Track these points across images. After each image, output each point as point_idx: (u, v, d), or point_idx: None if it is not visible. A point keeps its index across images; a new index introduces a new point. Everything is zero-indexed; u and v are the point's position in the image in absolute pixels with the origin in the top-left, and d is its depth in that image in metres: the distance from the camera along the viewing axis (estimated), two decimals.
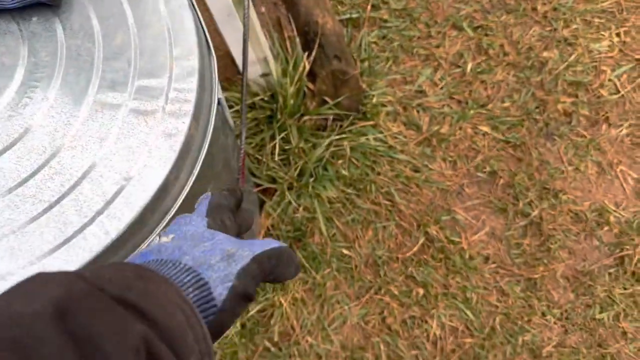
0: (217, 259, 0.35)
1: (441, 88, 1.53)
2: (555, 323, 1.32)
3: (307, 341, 1.35)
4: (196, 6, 0.74)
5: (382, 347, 1.33)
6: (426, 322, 1.34)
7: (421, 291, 1.35)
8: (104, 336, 0.24)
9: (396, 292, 1.35)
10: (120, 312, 0.26)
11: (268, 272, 0.37)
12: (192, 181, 0.68)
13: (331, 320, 1.37)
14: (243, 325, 1.35)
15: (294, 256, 0.40)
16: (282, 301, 1.36)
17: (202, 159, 0.69)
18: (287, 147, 1.38)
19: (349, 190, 1.42)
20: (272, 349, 1.35)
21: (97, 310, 0.25)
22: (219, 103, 0.79)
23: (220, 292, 0.34)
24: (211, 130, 0.71)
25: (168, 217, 0.66)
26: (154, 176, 0.61)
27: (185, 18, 0.69)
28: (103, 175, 0.61)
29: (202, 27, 0.74)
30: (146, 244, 0.64)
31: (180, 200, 0.67)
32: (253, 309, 1.34)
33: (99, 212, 0.59)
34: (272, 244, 0.38)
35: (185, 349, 0.28)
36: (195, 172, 0.68)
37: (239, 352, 1.33)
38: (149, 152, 0.62)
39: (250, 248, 0.37)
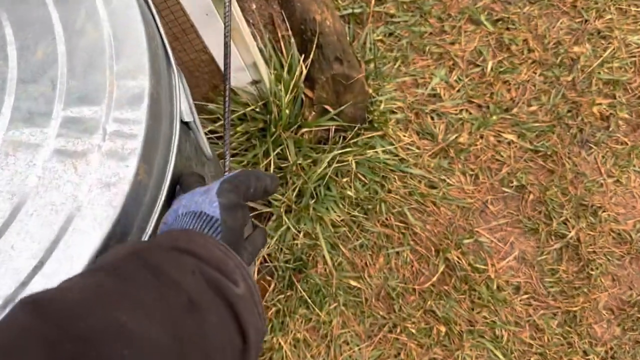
0: (198, 197, 0.46)
1: (458, 91, 1.35)
2: None
3: None
4: (152, 5, 0.57)
5: None
6: None
7: (443, 329, 1.17)
8: (169, 267, 0.36)
9: (414, 330, 1.18)
10: (175, 254, 0.38)
11: (242, 186, 0.47)
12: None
13: None
14: None
15: (261, 171, 0.52)
16: (282, 342, 1.19)
17: (158, 212, 0.51)
18: (283, 165, 1.20)
19: (356, 212, 1.24)
20: None
21: (160, 254, 0.38)
22: (188, 128, 0.61)
23: (213, 210, 0.44)
24: (171, 170, 0.53)
25: None
26: (86, 245, 0.44)
27: (133, 21, 0.51)
28: (15, 248, 0.43)
29: (159, 32, 0.56)
30: None
31: None
32: None
33: (9, 301, 0.42)
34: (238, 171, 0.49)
35: (228, 270, 0.39)
36: (149, 230, 0.50)
37: None
38: (79, 210, 0.44)
39: (221, 179, 0.47)
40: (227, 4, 0.78)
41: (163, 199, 0.51)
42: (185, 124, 0.59)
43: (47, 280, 0.43)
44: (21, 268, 0.43)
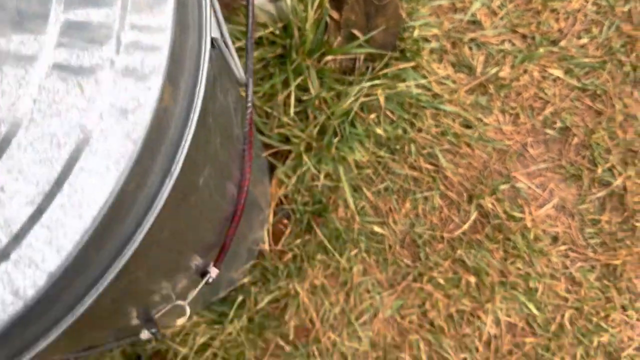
0: None
1: (501, 18, 1.22)
2: (638, 320, 1.09)
3: (329, 338, 1.14)
4: None
5: (422, 346, 1.12)
6: (478, 317, 1.11)
7: (472, 280, 1.11)
8: None
9: (441, 280, 1.12)
10: None
11: None
12: (169, 186, 0.41)
13: (359, 312, 1.14)
14: (250, 320, 1.13)
15: None
16: (299, 289, 1.13)
17: (186, 147, 0.42)
18: (304, 98, 1.09)
19: (382, 152, 1.15)
20: (287, 347, 1.13)
21: None
22: (213, 46, 0.50)
23: None
24: (201, 95, 0.43)
25: (128, 251, 0.40)
26: (97, 189, 0.35)
27: None
28: (5, 189, 0.34)
29: None
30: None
31: (151, 221, 0.40)
32: (263, 300, 1.11)
33: (3, 257, 0.34)
34: None
35: None
36: (176, 170, 0.41)
37: (247, 351, 1.11)
38: (88, 144, 0.35)
39: None
40: None
41: (191, 132, 0.42)
42: (212, 40, 0.49)
43: (48, 232, 0.34)
44: (14, 217, 0.34)
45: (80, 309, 0.41)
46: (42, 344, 0.41)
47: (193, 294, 0.80)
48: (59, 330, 0.41)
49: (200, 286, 0.79)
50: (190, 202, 0.55)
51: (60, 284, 0.35)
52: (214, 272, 0.79)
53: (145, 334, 0.78)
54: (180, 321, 0.80)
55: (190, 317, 1.10)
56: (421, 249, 1.14)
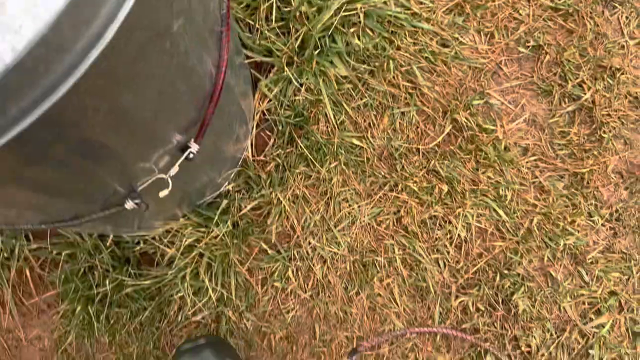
0: None
1: None
2: (603, 225, 1.15)
3: (309, 243, 1.20)
4: None
5: (396, 250, 1.18)
6: (450, 222, 1.17)
7: (445, 188, 1.17)
8: None
9: (415, 189, 1.18)
10: None
11: None
12: None
13: (338, 220, 1.20)
14: (235, 225, 1.19)
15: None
16: (281, 198, 1.19)
17: None
18: (286, 9, 1.14)
19: (362, 68, 1.20)
20: (270, 251, 1.20)
21: None
22: None
23: None
24: None
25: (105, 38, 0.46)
26: None
27: None
28: None
29: None
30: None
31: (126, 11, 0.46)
32: (247, 206, 1.17)
33: None
34: None
35: None
36: None
37: (231, 253, 1.18)
38: None
39: None
40: None
41: None
42: None
43: (26, 2, 0.40)
44: None
45: (61, 90, 0.46)
46: (27, 120, 0.46)
47: (175, 168, 0.86)
48: (41, 110, 0.46)
49: (181, 160, 0.85)
50: (165, 46, 0.61)
51: (38, 53, 0.40)
52: (194, 147, 0.85)
53: (129, 204, 0.85)
54: (163, 193, 0.86)
55: (177, 219, 1.16)
56: (397, 161, 1.20)
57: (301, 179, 1.21)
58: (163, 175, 0.86)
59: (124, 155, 0.75)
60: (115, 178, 0.80)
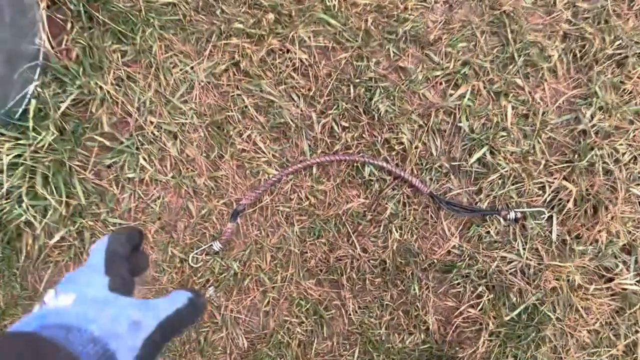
0: (123, 328, 0.36)
1: None
2: (436, 2, 1.13)
3: (151, 123, 1.10)
4: None
5: (245, 99, 1.11)
6: (288, 51, 1.10)
7: (272, 16, 1.10)
8: None
9: (242, 28, 1.09)
10: None
11: (170, 335, 0.40)
12: None
13: (173, 89, 1.11)
14: (61, 129, 1.07)
15: (200, 308, 0.43)
16: (101, 84, 1.07)
17: None
18: None
19: None
20: (110, 144, 1.09)
21: None
22: None
23: None
24: None
25: None
26: None
27: None
28: None
29: None
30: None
31: None
32: (64, 104, 1.05)
33: None
34: (177, 302, 0.41)
35: None
36: None
37: (66, 160, 1.06)
38: None
39: (155, 313, 0.39)
40: None
41: None
42: None
43: None
44: None
45: None
46: None
47: None
48: None
49: None
50: None
51: None
52: None
53: None
54: None
55: None
56: (216, 7, 1.11)
57: (117, 57, 1.09)
58: None
59: None
60: None
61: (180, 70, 1.11)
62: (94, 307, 0.37)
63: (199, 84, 1.11)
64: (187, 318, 0.41)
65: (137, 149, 1.11)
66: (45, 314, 0.36)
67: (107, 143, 1.09)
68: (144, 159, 1.11)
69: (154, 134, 1.11)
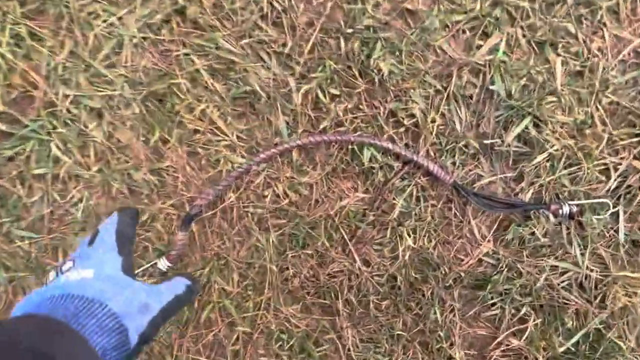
0: (134, 309, 0.42)
1: None
2: None
3: (66, 97, 0.80)
4: None
5: (195, 59, 0.81)
6: None
7: None
8: None
9: None
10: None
11: (168, 318, 0.45)
12: None
13: (95, 49, 0.81)
14: None
15: (195, 293, 0.49)
16: None
17: None
18: None
19: None
20: (7, 127, 0.79)
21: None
22: None
23: (133, 338, 0.41)
24: None
25: None
26: None
27: None
28: None
29: None
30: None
31: None
32: None
33: None
34: (177, 289, 0.47)
35: None
36: None
37: None
38: None
39: (159, 298, 0.45)
40: None
41: None
42: None
43: None
44: None
45: None
46: None
47: None
48: None
49: None
50: None
51: None
52: None
53: None
54: None
55: None
56: None
57: (14, 6, 0.78)
58: None
59: None
60: None
61: (104, 22, 0.80)
62: (111, 285, 0.42)
63: (130, 40, 0.80)
64: (184, 303, 0.47)
65: (48, 133, 0.80)
66: (66, 284, 0.41)
67: (4, 127, 0.79)
68: (58, 147, 0.80)
69: (70, 113, 0.80)
